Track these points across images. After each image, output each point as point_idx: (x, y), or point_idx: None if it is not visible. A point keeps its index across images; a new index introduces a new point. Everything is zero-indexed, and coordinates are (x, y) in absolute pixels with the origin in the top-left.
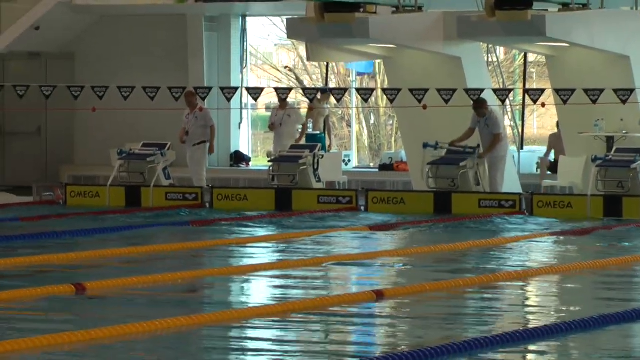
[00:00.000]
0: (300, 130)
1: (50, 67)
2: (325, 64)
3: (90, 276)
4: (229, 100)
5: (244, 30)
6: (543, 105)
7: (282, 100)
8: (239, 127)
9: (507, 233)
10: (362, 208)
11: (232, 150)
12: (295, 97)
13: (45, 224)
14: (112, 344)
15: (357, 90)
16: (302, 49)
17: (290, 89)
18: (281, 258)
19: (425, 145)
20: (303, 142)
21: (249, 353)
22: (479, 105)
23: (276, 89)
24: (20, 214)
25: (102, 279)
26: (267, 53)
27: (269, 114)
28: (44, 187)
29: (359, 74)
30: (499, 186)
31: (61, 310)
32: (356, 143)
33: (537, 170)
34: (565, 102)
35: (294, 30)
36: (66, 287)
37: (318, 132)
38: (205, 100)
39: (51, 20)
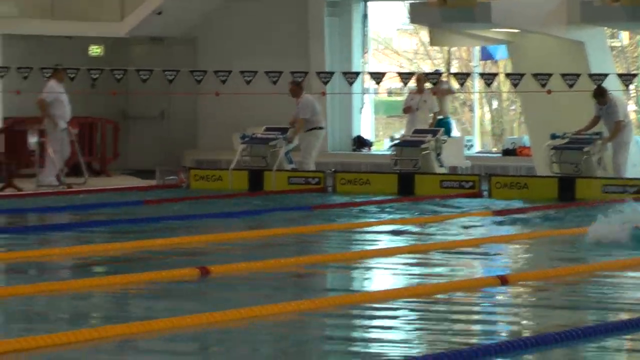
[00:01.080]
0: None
1: (173, 51)
2: (448, 48)
3: (214, 259)
4: (350, 84)
5: (365, 15)
6: None
7: (420, 85)
8: (361, 112)
9: None
10: (485, 193)
11: (354, 134)
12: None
13: (169, 207)
14: (235, 327)
15: (480, 74)
16: (423, 34)
17: (412, 74)
18: (403, 243)
19: (553, 136)
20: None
21: (371, 337)
22: (599, 93)
23: (399, 74)
24: (144, 198)
25: (225, 262)
26: (388, 38)
27: (391, 98)
28: (167, 170)
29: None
30: (622, 171)
31: (185, 293)
32: (479, 128)
33: None
34: None
35: (416, 15)
36: (191, 271)
37: (442, 117)
38: (327, 85)
39: (174, 5)
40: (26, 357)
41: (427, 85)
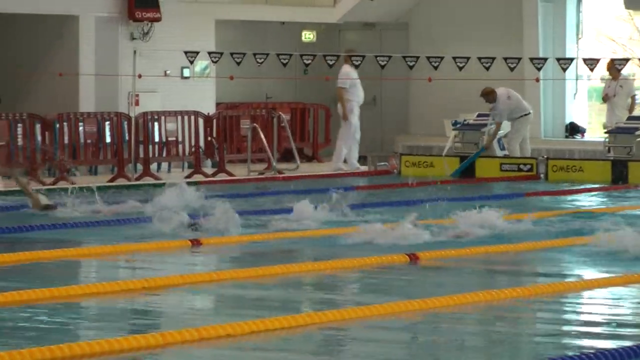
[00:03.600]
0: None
1: (384, 37)
2: None
3: (422, 245)
4: (564, 70)
5: (579, 1)
6: None
7: (616, 71)
8: (574, 98)
9: None
10: None
11: (567, 121)
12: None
13: (380, 193)
14: (444, 314)
15: None
16: (638, 19)
17: (627, 60)
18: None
19: None
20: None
21: (583, 324)
22: None
23: (612, 60)
24: (356, 184)
25: (434, 248)
26: (602, 24)
27: (603, 85)
28: (379, 156)
29: None
30: None
31: (395, 280)
32: None
33: None
34: None
35: (631, 1)
36: (400, 257)
37: None
38: (540, 72)
39: None
40: (235, 341)
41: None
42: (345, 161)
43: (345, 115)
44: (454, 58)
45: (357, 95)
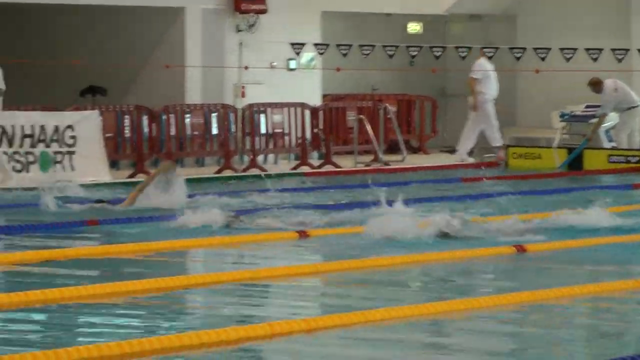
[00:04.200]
0: None
1: (491, 28)
2: None
3: (528, 238)
4: None
5: None
6: None
7: None
8: None
9: None
10: None
11: None
12: None
13: (486, 185)
14: (552, 305)
15: None
16: None
17: None
18: None
19: None
20: None
21: None
22: None
23: None
24: (463, 175)
25: (543, 241)
26: None
27: None
28: (486, 148)
29: None
30: None
31: (505, 271)
32: None
33: None
34: None
35: None
36: (507, 249)
37: None
38: None
39: None
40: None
41: None
42: (469, 151)
43: (475, 106)
44: (561, 49)
45: (489, 88)
